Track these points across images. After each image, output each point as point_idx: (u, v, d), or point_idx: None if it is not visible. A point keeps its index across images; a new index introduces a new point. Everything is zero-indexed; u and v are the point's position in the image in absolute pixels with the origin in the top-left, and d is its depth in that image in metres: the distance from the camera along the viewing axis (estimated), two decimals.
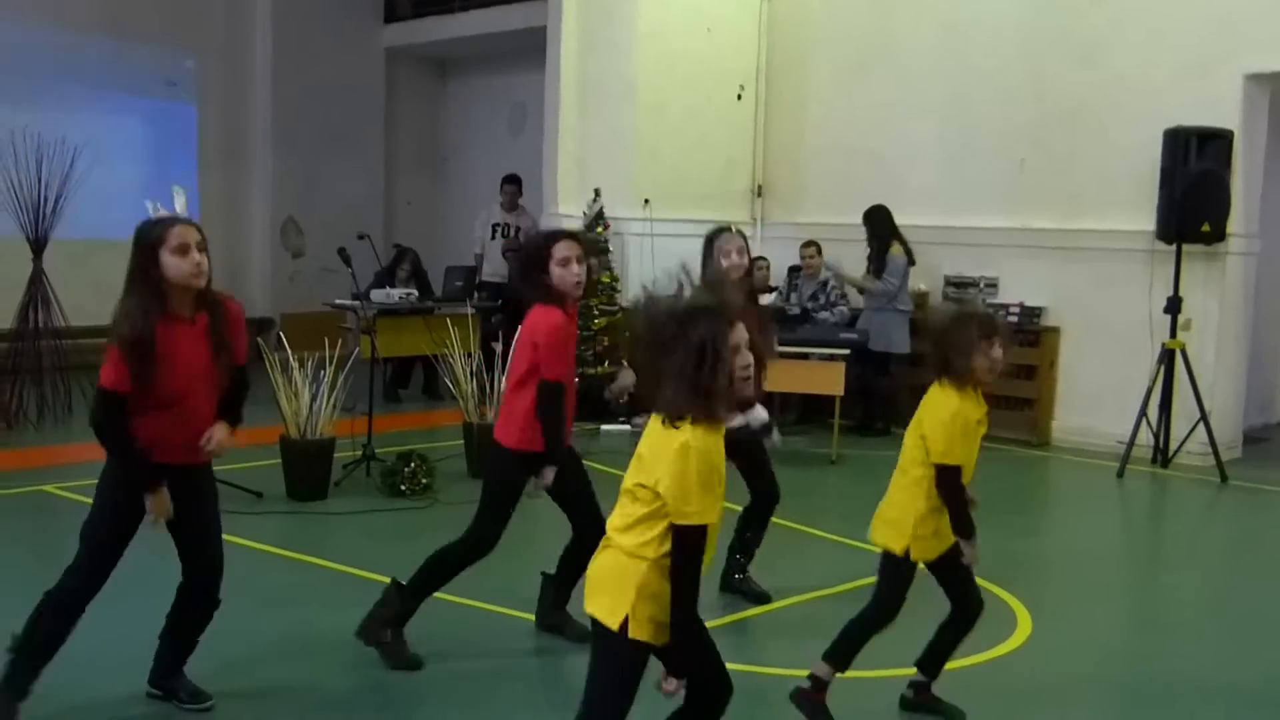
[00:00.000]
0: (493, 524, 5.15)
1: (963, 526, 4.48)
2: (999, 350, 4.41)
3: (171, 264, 4.19)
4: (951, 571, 4.62)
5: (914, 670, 4.84)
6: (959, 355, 4.40)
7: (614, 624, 3.27)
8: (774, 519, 6.87)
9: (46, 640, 4.34)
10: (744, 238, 5.98)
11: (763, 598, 6.15)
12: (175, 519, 4.39)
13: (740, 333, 3.23)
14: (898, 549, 4.56)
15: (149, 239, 4.22)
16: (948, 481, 4.43)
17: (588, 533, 5.23)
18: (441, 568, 5.19)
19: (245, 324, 4.54)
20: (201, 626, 4.62)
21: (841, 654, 4.66)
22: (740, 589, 6.18)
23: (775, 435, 6.04)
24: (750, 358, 3.25)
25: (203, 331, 4.33)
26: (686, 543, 3.21)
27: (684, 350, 3.16)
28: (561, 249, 5.08)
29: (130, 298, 4.22)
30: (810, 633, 5.74)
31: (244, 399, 4.57)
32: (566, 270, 5.07)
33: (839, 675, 4.67)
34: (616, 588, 3.29)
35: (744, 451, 5.75)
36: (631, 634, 3.26)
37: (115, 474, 4.34)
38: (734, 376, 3.20)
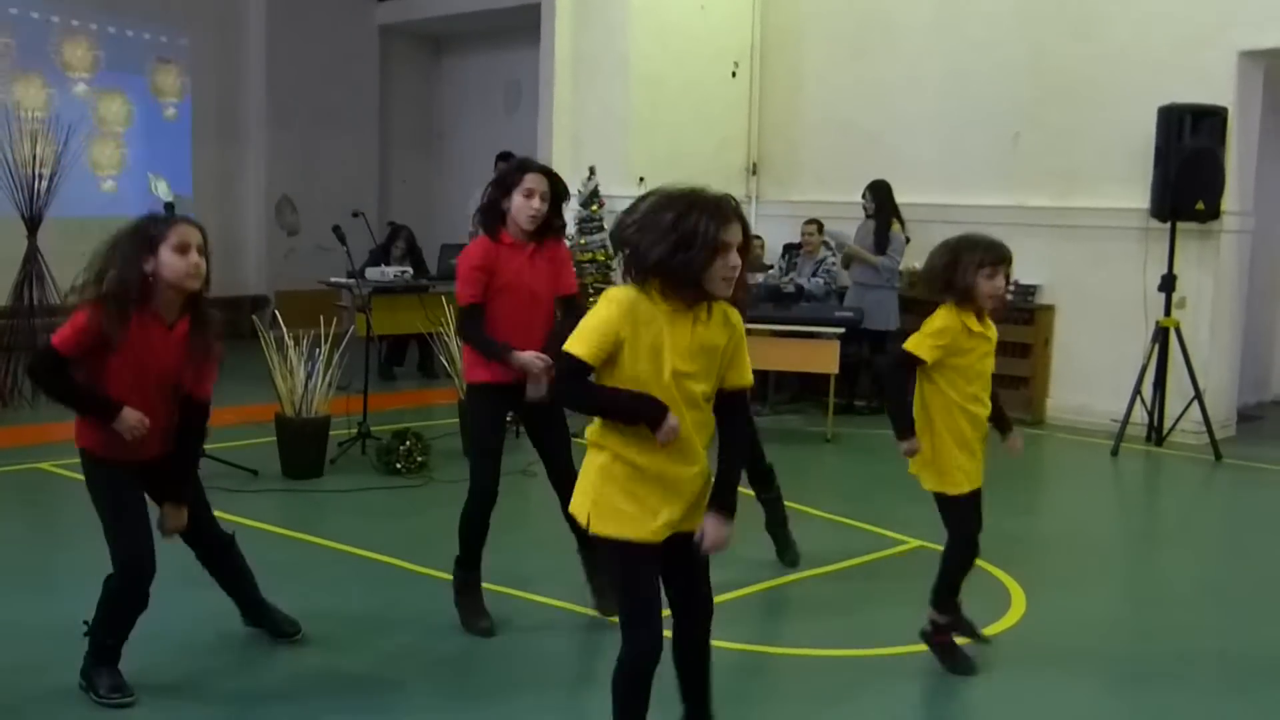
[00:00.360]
0: (481, 466, 5.15)
1: (895, 416, 4.67)
2: (1001, 281, 4.55)
3: (169, 262, 4.12)
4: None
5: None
6: (962, 275, 4.55)
7: (583, 519, 3.35)
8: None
9: (118, 626, 4.39)
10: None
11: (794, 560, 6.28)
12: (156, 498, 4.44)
13: (735, 233, 3.24)
14: (939, 489, 4.72)
15: (149, 233, 4.16)
16: (895, 363, 4.69)
17: (560, 490, 5.24)
18: (463, 531, 5.20)
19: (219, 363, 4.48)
20: (238, 562, 4.85)
21: (940, 597, 4.83)
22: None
23: None
24: (738, 260, 3.25)
25: (179, 339, 4.27)
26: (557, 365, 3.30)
27: (677, 230, 3.19)
28: (530, 180, 5.07)
29: (116, 282, 4.13)
30: (810, 611, 5.77)
31: (196, 458, 4.58)
32: (527, 202, 5.05)
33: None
34: (584, 483, 3.38)
35: None
36: (593, 529, 3.32)
37: (92, 467, 4.33)
38: (717, 270, 3.22)
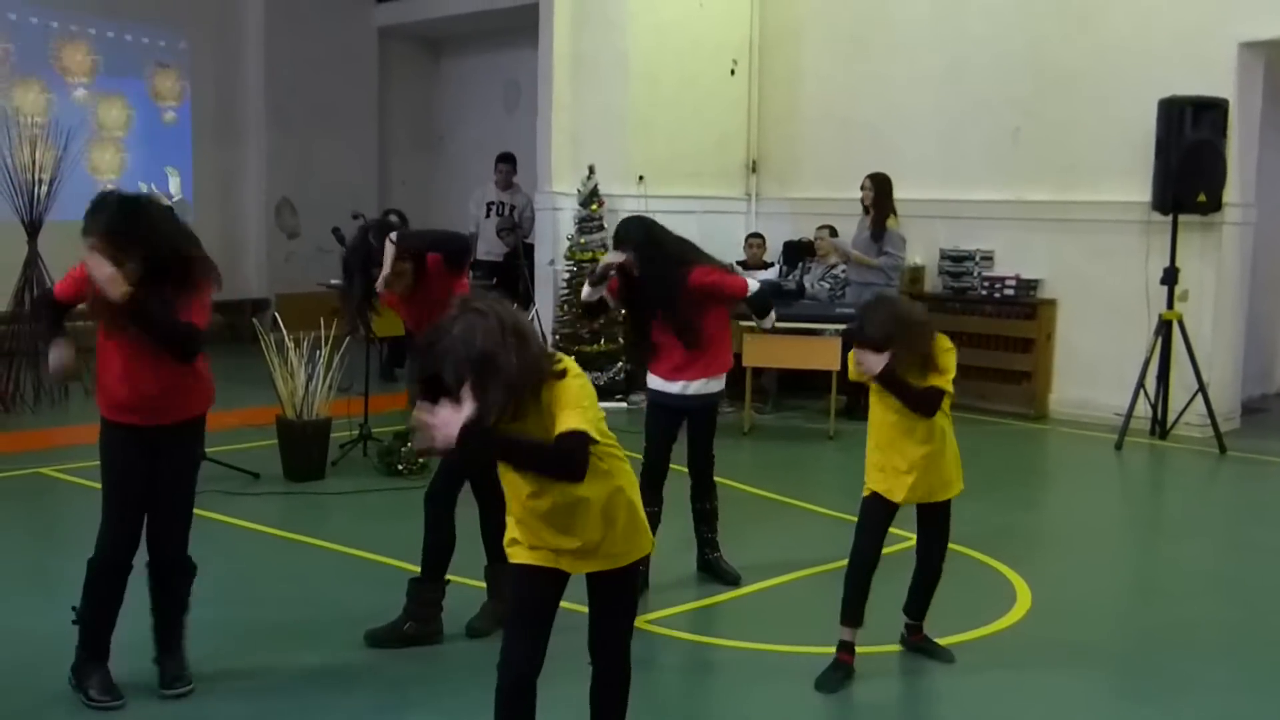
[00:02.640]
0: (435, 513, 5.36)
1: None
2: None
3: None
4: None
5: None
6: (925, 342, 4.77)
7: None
8: (775, 495, 6.86)
9: (101, 605, 4.39)
10: None
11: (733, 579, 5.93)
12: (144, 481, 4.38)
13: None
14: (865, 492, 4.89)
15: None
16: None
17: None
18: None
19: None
20: (185, 596, 4.58)
21: (843, 609, 4.85)
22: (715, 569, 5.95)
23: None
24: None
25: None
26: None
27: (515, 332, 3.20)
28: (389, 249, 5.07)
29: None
30: (812, 609, 5.76)
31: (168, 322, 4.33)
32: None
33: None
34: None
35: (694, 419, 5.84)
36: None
37: (102, 435, 4.38)
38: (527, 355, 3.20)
